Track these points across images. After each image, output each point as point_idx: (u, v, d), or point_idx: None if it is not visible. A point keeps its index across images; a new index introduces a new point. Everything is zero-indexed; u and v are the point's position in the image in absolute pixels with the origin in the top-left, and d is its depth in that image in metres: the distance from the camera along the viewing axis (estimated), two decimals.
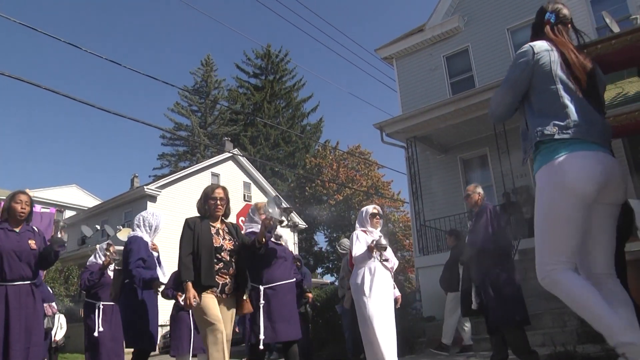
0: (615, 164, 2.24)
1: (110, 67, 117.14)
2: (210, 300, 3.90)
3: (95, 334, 5.48)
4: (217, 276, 4.00)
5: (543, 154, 2.26)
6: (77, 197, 32.77)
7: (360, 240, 5.09)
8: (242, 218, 9.57)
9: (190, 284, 3.82)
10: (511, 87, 2.43)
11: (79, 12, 68.47)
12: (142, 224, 5.04)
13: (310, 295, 7.25)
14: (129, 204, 24.26)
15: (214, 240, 4.06)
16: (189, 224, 4.10)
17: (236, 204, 24.62)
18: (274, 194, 4.70)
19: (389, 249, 5.05)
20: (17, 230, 4.34)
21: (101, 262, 5.80)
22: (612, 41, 2.53)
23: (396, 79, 15.24)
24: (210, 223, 4.18)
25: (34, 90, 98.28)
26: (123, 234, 6.05)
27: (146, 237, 4.95)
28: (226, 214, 4.37)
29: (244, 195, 27.42)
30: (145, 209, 22.46)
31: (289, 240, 28.31)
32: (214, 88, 44.41)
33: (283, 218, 4.61)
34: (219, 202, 4.24)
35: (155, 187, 23.55)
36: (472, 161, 12.95)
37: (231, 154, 27.34)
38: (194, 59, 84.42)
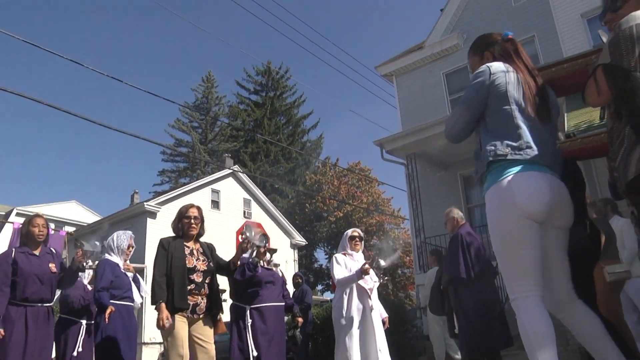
0: (563, 187, 2.27)
1: (112, 83, 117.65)
2: (178, 323, 3.93)
3: (75, 353, 5.32)
4: (188, 297, 4.02)
5: (493, 173, 2.28)
6: (76, 213, 32.73)
7: (340, 264, 5.25)
8: (241, 235, 9.55)
9: (163, 305, 3.86)
10: (468, 107, 2.44)
11: (81, 29, 69.00)
12: (108, 245, 5.12)
13: (300, 320, 7.17)
14: (129, 220, 24.20)
15: (187, 261, 4.08)
16: (162, 244, 4.13)
17: (236, 221, 24.77)
18: (252, 221, 4.81)
19: (370, 270, 5.14)
20: (37, 253, 4.44)
21: (85, 283, 5.71)
22: (564, 65, 2.57)
23: (396, 96, 15.32)
24: (185, 243, 4.21)
25: (35, 106, 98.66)
26: None
27: (114, 259, 5.00)
28: (200, 234, 4.41)
29: (244, 212, 27.38)
30: (145, 225, 22.45)
31: (289, 257, 28.25)
32: (214, 104, 44.58)
33: (260, 243, 4.76)
34: (192, 221, 4.28)
35: (155, 204, 23.52)
36: (473, 178, 12.95)
37: (231, 171, 27.35)
38: (195, 76, 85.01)
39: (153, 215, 23.11)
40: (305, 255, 36.41)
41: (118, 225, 24.54)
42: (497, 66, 2.41)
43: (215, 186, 26.77)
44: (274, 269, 5.23)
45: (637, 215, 2.01)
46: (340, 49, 58.37)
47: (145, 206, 23.00)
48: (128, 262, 5.21)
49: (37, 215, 4.65)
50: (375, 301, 5.25)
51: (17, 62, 64.23)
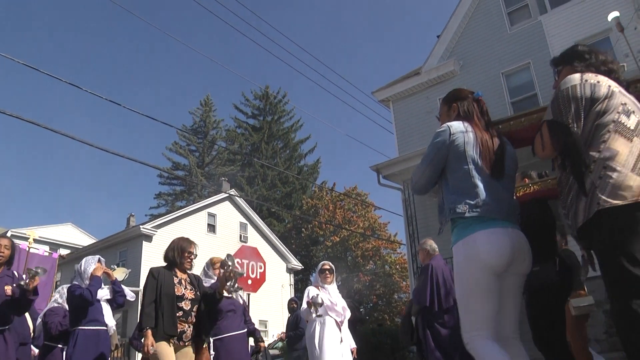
0: (522, 238, 2.43)
1: (110, 106, 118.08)
2: (165, 348, 3.99)
3: None
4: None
5: (459, 229, 2.44)
6: (72, 235, 32.58)
7: (311, 294, 5.60)
8: (237, 259, 9.50)
9: (150, 332, 3.94)
10: (429, 165, 2.60)
11: (79, 52, 69.49)
12: (77, 271, 5.16)
13: (262, 345, 7.22)
14: (124, 243, 24.10)
15: (175, 290, 4.20)
16: (152, 274, 4.23)
17: (232, 245, 24.66)
18: (227, 254, 5.09)
19: (342, 302, 5.54)
20: None
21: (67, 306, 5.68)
22: (521, 119, 2.69)
23: (393, 122, 15.40)
24: (174, 273, 4.34)
25: (32, 128, 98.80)
26: (118, 273, 6.00)
27: (84, 285, 5.04)
28: (190, 268, 4.54)
29: (240, 236, 27.30)
30: (141, 248, 22.36)
31: (285, 282, 28.09)
32: (212, 128, 44.75)
33: (242, 271, 4.99)
34: (192, 256, 4.47)
35: (151, 227, 23.44)
36: None
37: (228, 195, 27.34)
38: (194, 99, 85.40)
39: (149, 238, 23.02)
40: (301, 280, 36.19)
41: (114, 248, 24.45)
42: (457, 126, 2.57)
43: (211, 210, 26.72)
44: (233, 295, 5.31)
45: (587, 258, 2.21)
46: (338, 74, 58.91)
47: (141, 229, 22.92)
48: (103, 266, 5.24)
49: (1, 236, 4.62)
50: (345, 332, 5.62)
51: (15, 84, 64.53)
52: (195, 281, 4.48)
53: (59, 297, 5.71)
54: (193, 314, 4.25)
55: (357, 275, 33.11)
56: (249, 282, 9.60)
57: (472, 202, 2.39)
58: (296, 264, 30.16)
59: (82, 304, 4.83)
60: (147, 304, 4.05)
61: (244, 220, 28.34)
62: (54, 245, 30.60)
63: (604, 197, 2.03)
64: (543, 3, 13.51)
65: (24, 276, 4.65)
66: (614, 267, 2.02)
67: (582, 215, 2.12)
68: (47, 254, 7.56)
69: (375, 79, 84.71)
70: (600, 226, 2.06)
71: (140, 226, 23.33)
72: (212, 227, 26.26)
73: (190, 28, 70.17)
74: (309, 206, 36.96)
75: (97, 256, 5.41)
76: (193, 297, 4.29)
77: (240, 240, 26.38)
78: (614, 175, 2.03)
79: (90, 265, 5.14)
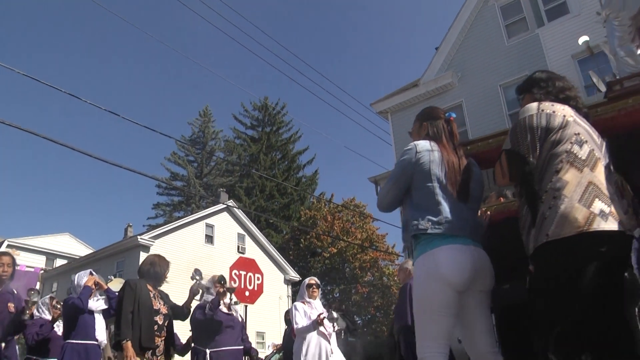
0: (484, 257, 2.49)
1: (109, 116, 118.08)
2: None
3: None
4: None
5: (421, 245, 2.47)
6: (69, 245, 32.46)
7: (300, 312, 5.63)
8: (235, 271, 9.48)
9: (129, 343, 3.95)
10: (395, 182, 2.66)
11: (78, 62, 69.68)
12: (72, 286, 5.26)
13: None
14: (122, 253, 24.03)
15: (152, 303, 4.28)
16: (130, 285, 4.27)
17: (230, 256, 24.61)
18: (195, 268, 5.38)
19: (330, 315, 5.59)
20: None
21: (48, 317, 5.63)
22: (489, 140, 2.73)
23: (391, 133, 15.45)
24: (148, 286, 4.39)
25: (31, 138, 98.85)
26: (115, 284, 6.01)
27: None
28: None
29: (238, 247, 27.22)
30: (138, 259, 22.25)
31: (283, 293, 27.99)
32: (211, 139, 44.77)
33: (209, 285, 5.14)
34: (167, 275, 4.62)
35: (149, 237, 23.38)
36: None
37: (226, 206, 27.30)
38: (193, 109, 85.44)
39: (146, 249, 22.92)
40: (299, 291, 36.01)
41: (111, 259, 24.38)
42: (423, 145, 2.63)
43: (209, 221, 26.67)
44: (234, 313, 5.50)
45: (530, 280, 2.25)
46: (337, 86, 59.01)
47: (139, 240, 22.86)
48: (96, 277, 5.28)
49: (3, 253, 4.66)
50: (334, 345, 5.66)
51: (14, 94, 64.61)
52: (165, 296, 4.59)
53: (40, 308, 5.72)
54: (165, 328, 4.34)
55: (355, 286, 33.02)
56: (247, 293, 9.58)
57: (434, 219, 2.44)
58: (294, 276, 30.07)
59: (74, 313, 4.85)
60: (125, 314, 4.07)
61: (242, 231, 28.27)
62: (51, 255, 30.53)
63: (551, 229, 2.06)
64: (540, 16, 13.61)
65: (27, 297, 4.75)
66: (554, 298, 2.06)
67: (532, 244, 2.16)
68: (28, 269, 7.48)
69: (374, 91, 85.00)
70: (547, 256, 2.09)
71: (138, 237, 23.28)
72: (209, 238, 26.20)
73: (190, 39, 70.48)
74: (307, 217, 36.92)
75: (89, 270, 5.48)
76: (166, 312, 4.41)
77: (238, 251, 26.29)
78: (562, 206, 2.07)
79: (83, 278, 5.20)
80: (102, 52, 68.92)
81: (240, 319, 5.62)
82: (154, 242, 23.25)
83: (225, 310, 5.34)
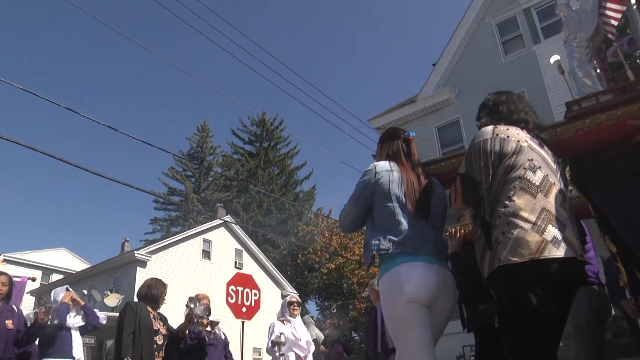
0: (449, 276, 2.48)
1: (107, 131, 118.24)
2: None
3: None
4: None
5: (384, 264, 2.47)
6: (65, 260, 32.34)
7: (275, 332, 5.73)
8: (232, 287, 9.44)
9: None
10: (355, 203, 2.66)
11: (76, 78, 69.88)
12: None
13: None
14: (118, 268, 23.89)
15: (152, 324, 4.47)
16: (131, 306, 4.47)
17: (227, 272, 24.48)
18: (193, 296, 5.43)
19: (306, 336, 5.75)
20: None
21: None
22: (452, 160, 2.77)
23: None
24: (148, 308, 4.60)
25: (28, 153, 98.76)
26: (111, 300, 6.02)
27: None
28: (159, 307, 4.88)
29: (235, 263, 27.11)
30: (135, 274, 22.15)
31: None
32: (209, 154, 44.82)
33: (204, 314, 5.22)
34: (165, 297, 4.84)
35: (146, 253, 23.26)
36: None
37: (223, 221, 27.23)
38: (191, 124, 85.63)
39: (143, 264, 22.83)
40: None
41: (107, 274, 24.25)
42: (383, 165, 2.64)
43: (206, 236, 26.58)
44: (217, 331, 5.61)
45: (495, 305, 2.21)
46: (334, 101, 59.35)
47: (136, 255, 22.74)
48: (73, 293, 5.36)
49: (0, 273, 4.72)
50: None
51: (12, 109, 64.69)
52: (163, 318, 4.78)
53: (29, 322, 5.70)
54: (163, 349, 4.49)
55: (353, 302, 32.87)
56: (244, 309, 9.52)
57: (395, 239, 2.43)
58: (291, 291, 29.91)
59: (51, 330, 4.89)
60: (126, 335, 4.21)
61: (239, 247, 28.19)
62: (47, 270, 30.41)
63: (504, 254, 2.07)
64: (536, 33, 13.71)
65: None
66: (509, 323, 2.09)
67: (487, 268, 2.17)
68: (16, 279, 7.42)
69: (372, 107, 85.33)
70: (500, 281, 2.11)
71: (135, 252, 23.15)
72: (207, 254, 26.09)
73: (188, 54, 70.81)
74: (304, 233, 36.87)
75: (65, 286, 5.56)
76: (165, 332, 4.58)
77: (235, 267, 26.17)
78: (515, 231, 2.07)
79: (60, 294, 5.26)
80: (99, 66, 69.20)
81: (222, 337, 5.72)
82: (150, 257, 23.14)
83: (208, 329, 5.46)
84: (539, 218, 2.09)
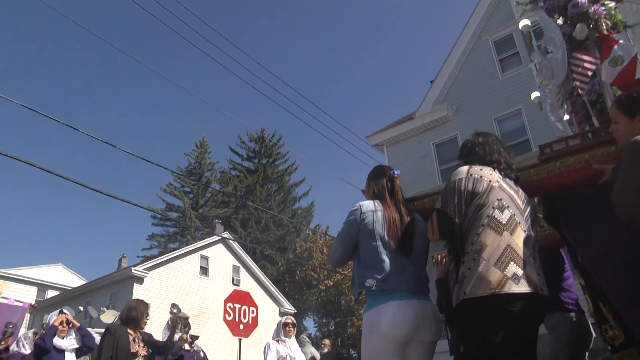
0: (428, 308, 2.61)
1: (105, 147, 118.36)
2: None
3: None
4: None
5: (368, 301, 2.63)
6: (62, 276, 32.11)
7: (272, 351, 5.81)
8: (229, 304, 9.40)
9: None
10: (343, 241, 2.81)
11: (74, 94, 70.10)
12: (46, 324, 5.52)
13: None
14: (115, 285, 23.76)
15: (131, 347, 4.62)
16: (109, 330, 4.68)
17: (225, 288, 24.36)
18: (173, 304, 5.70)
19: (301, 356, 5.91)
20: None
21: (26, 352, 5.64)
22: (434, 196, 2.95)
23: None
24: (129, 331, 4.78)
25: (25, 168, 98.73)
26: (108, 316, 6.05)
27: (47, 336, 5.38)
28: (143, 328, 5.05)
29: (233, 279, 26.99)
30: (132, 290, 22.02)
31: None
32: (207, 170, 44.81)
33: (188, 315, 5.46)
34: (148, 317, 4.99)
35: (143, 269, 23.14)
36: None
37: (221, 237, 27.15)
38: (189, 140, 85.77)
39: (140, 280, 22.71)
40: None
41: (104, 290, 24.12)
42: (368, 205, 2.81)
43: (204, 252, 26.48)
44: (195, 348, 5.78)
45: (460, 333, 2.40)
46: (333, 118, 59.55)
47: (133, 271, 22.62)
48: (68, 315, 5.48)
49: None
50: None
51: (12, 125, 64.77)
52: (147, 337, 4.96)
53: (21, 342, 5.75)
54: None
55: (351, 319, 32.70)
56: (241, 327, 9.47)
57: (379, 277, 2.57)
58: (289, 308, 29.77)
59: (39, 352, 5.11)
60: (104, 358, 4.43)
61: (237, 263, 28.08)
62: (43, 287, 30.18)
63: (469, 288, 2.23)
64: (533, 51, 13.79)
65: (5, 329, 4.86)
66: (470, 353, 2.28)
67: (454, 300, 2.34)
68: (17, 303, 7.40)
69: (370, 123, 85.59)
70: (465, 313, 2.27)
71: (132, 268, 23.03)
72: (204, 270, 25.97)
73: (187, 70, 71.15)
74: (302, 249, 36.77)
75: (60, 308, 5.67)
76: (145, 354, 4.78)
77: (233, 284, 26.05)
78: (479, 268, 2.23)
79: (53, 317, 5.38)
80: (98, 82, 69.47)
81: (202, 355, 5.91)
82: (147, 273, 23.04)
83: (187, 347, 5.66)
84: (502, 255, 2.25)
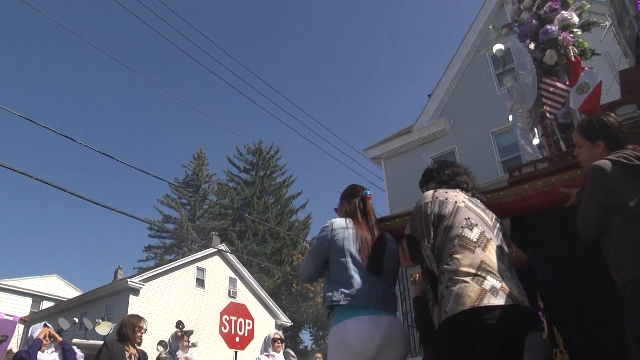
0: (396, 325, 2.66)
1: (102, 159, 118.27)
2: None
3: None
4: None
5: (336, 316, 2.65)
6: (57, 287, 31.91)
7: None
8: (225, 316, 9.37)
9: None
10: (314, 257, 2.85)
11: (72, 104, 70.17)
12: (27, 339, 5.50)
13: None
14: (111, 296, 23.62)
15: None
16: (107, 345, 4.75)
17: (221, 300, 24.29)
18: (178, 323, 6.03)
19: None
20: None
21: None
22: (405, 217, 2.97)
23: (384, 179, 15.50)
24: (126, 347, 4.85)
25: (21, 179, 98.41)
26: (103, 328, 6.05)
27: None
28: (140, 342, 5.09)
29: (229, 291, 26.88)
30: (127, 302, 21.92)
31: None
32: (204, 182, 44.80)
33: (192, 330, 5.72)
34: (142, 331, 5.01)
35: (139, 280, 23.04)
36: None
37: (217, 249, 27.07)
38: (187, 152, 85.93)
39: (136, 292, 22.60)
40: (290, 337, 35.54)
41: (100, 302, 23.98)
42: (339, 222, 2.86)
43: (201, 264, 26.40)
44: (190, 356, 5.89)
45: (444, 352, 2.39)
46: (330, 131, 59.68)
47: (129, 282, 22.51)
48: (51, 329, 5.49)
49: None
50: None
51: (10, 135, 64.75)
52: (142, 356, 5.02)
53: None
54: None
55: None
56: (237, 339, 9.43)
57: (347, 292, 2.61)
58: (285, 321, 29.65)
59: None
60: None
61: (234, 276, 27.98)
62: (38, 297, 29.99)
63: (449, 306, 2.23)
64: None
65: None
66: None
67: (436, 321, 2.32)
68: (7, 316, 7.37)
69: (367, 136, 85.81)
70: (448, 332, 2.26)
71: (128, 279, 22.91)
72: (200, 282, 25.88)
73: (185, 82, 71.34)
74: (299, 262, 36.66)
75: (44, 322, 5.67)
76: None
77: (229, 296, 25.95)
78: (457, 285, 2.25)
79: (36, 330, 5.36)
80: (94, 92, 69.59)
81: None
82: (144, 285, 22.93)
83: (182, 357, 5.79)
84: (478, 270, 2.27)
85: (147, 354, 5.27)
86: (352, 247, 2.73)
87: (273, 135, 76.93)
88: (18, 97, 62.20)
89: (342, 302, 2.60)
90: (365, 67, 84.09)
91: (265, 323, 26.79)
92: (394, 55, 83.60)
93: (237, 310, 9.85)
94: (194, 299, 24.38)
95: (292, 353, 6.12)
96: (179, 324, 5.69)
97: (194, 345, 6.04)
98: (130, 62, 66.00)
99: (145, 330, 5.10)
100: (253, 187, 43.42)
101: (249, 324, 9.74)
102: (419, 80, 77.33)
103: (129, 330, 4.91)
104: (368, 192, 3.07)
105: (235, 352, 9.69)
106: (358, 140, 69.58)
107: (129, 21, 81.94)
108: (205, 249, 27.82)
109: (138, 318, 5.07)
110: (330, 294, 2.67)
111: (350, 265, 2.68)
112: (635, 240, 2.28)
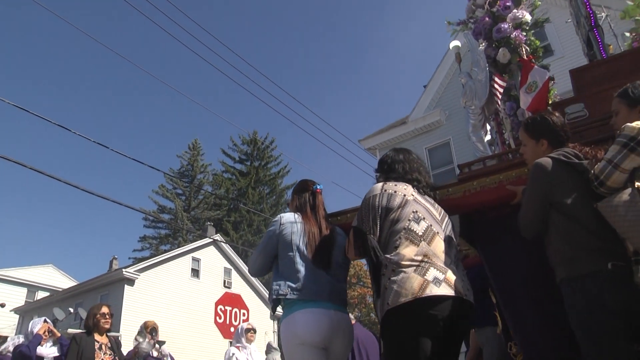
0: (344, 320, 2.72)
1: (97, 148, 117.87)
2: None
3: None
4: None
5: (285, 309, 2.71)
6: (52, 277, 31.92)
7: (240, 358, 5.96)
8: (220, 306, 9.40)
9: None
10: (262, 250, 2.90)
11: (67, 94, 69.82)
12: (26, 334, 5.50)
13: None
14: (106, 286, 23.65)
15: (95, 355, 4.70)
16: (75, 339, 4.74)
17: (216, 291, 24.34)
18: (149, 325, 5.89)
19: (260, 357, 6.04)
20: None
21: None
22: (347, 214, 3.09)
23: None
24: (95, 338, 4.87)
25: (16, 169, 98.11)
26: None
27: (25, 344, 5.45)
28: (110, 329, 5.12)
29: (224, 282, 26.90)
30: (123, 292, 21.96)
31: (269, 329, 27.64)
32: (199, 172, 44.74)
33: (149, 349, 5.59)
34: (107, 316, 5.02)
35: (134, 271, 23.06)
36: None
37: (213, 240, 27.09)
38: (182, 142, 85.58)
39: (131, 282, 22.62)
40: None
41: (95, 292, 24.00)
42: (288, 217, 2.92)
43: (196, 254, 26.42)
44: (164, 351, 5.91)
45: (382, 348, 2.41)
46: (325, 121, 59.67)
47: (124, 273, 22.53)
48: (50, 325, 5.54)
49: None
50: None
51: (4, 125, 64.42)
52: (114, 345, 5.01)
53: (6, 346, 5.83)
54: None
55: None
56: (232, 329, 9.47)
57: (293, 286, 2.66)
58: (280, 311, 29.63)
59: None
60: None
61: (229, 266, 28.01)
62: (33, 287, 30.00)
63: (391, 298, 2.25)
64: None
65: None
66: None
67: (379, 313, 2.35)
68: None
69: (362, 127, 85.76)
70: (390, 324, 2.29)
71: (123, 269, 22.93)
72: (195, 272, 25.89)
73: (179, 72, 71.03)
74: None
75: (44, 317, 5.77)
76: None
77: (224, 286, 25.98)
78: (400, 277, 2.27)
79: (36, 325, 5.42)
80: (90, 83, 69.22)
81: (169, 359, 6.02)
82: (139, 275, 22.95)
83: (155, 354, 5.79)
84: (421, 262, 2.30)
85: (121, 341, 5.36)
86: (299, 241, 2.77)
87: (268, 125, 76.93)
88: (12, 87, 61.83)
89: (288, 296, 2.65)
90: (360, 57, 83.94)
91: (260, 313, 26.87)
92: (390, 46, 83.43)
93: (232, 300, 9.89)
94: (189, 289, 24.42)
95: (275, 346, 6.13)
96: (152, 332, 5.83)
97: (162, 343, 6.08)
98: (124, 51, 65.61)
99: (111, 315, 5.14)
100: (248, 178, 43.40)
101: (244, 314, 9.79)
102: (415, 71, 77.26)
103: (91, 320, 4.95)
104: (318, 187, 3.10)
105: (230, 342, 9.73)
106: (353, 131, 69.56)
107: (122, 10, 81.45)
108: (201, 239, 27.85)
109: (99, 306, 5.13)
110: (277, 287, 2.71)
111: (298, 260, 2.72)
112: (570, 237, 2.32)
